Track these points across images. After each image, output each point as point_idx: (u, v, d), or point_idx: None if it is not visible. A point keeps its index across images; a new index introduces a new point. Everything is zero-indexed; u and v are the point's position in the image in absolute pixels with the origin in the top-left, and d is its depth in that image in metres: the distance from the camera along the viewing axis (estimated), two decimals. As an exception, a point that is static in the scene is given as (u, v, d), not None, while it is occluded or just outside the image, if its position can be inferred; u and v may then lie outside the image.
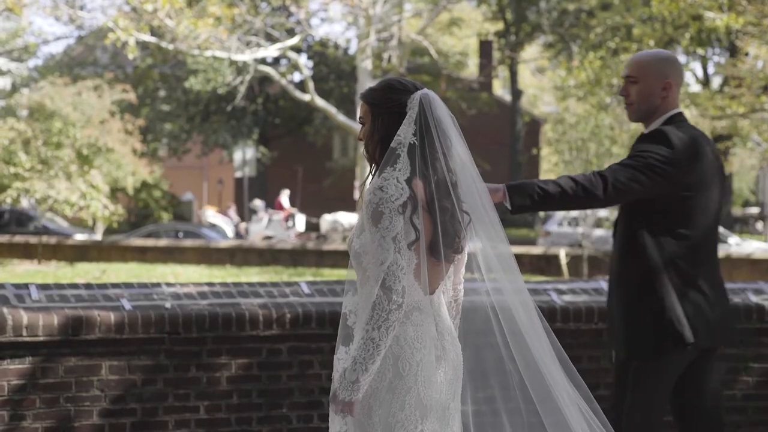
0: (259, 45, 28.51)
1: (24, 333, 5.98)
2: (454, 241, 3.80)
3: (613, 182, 4.61)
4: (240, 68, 39.86)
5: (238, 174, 41.36)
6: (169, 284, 6.99)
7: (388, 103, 3.89)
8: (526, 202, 4.51)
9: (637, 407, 4.85)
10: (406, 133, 3.80)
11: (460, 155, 3.83)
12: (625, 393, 4.91)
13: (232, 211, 38.14)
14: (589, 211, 24.15)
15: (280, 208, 39.19)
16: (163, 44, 26.67)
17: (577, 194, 4.57)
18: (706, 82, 44.13)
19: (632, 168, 4.66)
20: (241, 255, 27.88)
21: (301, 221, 38.54)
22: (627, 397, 4.87)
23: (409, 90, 3.90)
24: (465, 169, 3.83)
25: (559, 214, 32.76)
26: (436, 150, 3.79)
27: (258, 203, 39.59)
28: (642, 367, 4.84)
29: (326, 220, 35.94)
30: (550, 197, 4.54)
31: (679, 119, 4.87)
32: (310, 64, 48.16)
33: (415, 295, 3.74)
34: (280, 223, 37.07)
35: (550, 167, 39.66)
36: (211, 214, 39.86)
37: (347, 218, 35.10)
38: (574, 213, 26.56)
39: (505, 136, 53.14)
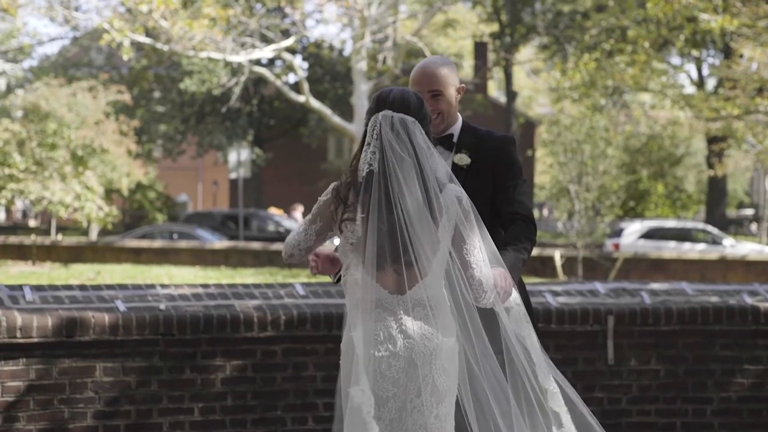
0: (254, 46, 28.49)
1: (18, 334, 5.96)
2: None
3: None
4: (235, 69, 39.84)
5: (233, 175, 41.22)
6: (163, 286, 6.98)
7: (366, 117, 4.04)
8: (517, 273, 4.45)
9: None
10: (365, 157, 3.92)
11: (412, 193, 3.87)
12: None
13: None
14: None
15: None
16: (158, 45, 26.65)
17: (534, 239, 4.61)
18: (700, 83, 44.15)
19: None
20: (235, 256, 27.86)
21: None
22: None
23: (371, 109, 3.99)
24: (415, 211, 3.88)
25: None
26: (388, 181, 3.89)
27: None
28: None
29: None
30: (523, 259, 4.51)
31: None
32: (305, 65, 48.14)
33: None
34: None
35: (545, 169, 39.66)
36: (278, 217, 39.51)
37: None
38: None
39: (500, 138, 53.07)
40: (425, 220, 3.88)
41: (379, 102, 4.03)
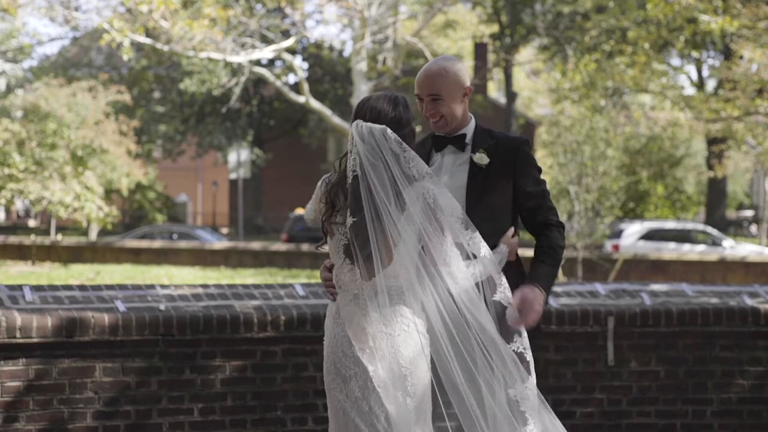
0: (254, 47, 28.49)
1: (17, 334, 5.96)
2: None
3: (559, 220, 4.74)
4: (235, 70, 39.85)
5: (233, 176, 41.35)
6: (163, 286, 6.97)
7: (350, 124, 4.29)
8: (550, 283, 4.57)
9: None
10: (349, 163, 4.19)
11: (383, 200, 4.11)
12: None
13: None
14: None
15: None
16: (158, 46, 26.64)
17: (563, 245, 4.67)
18: (700, 85, 44.16)
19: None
20: (235, 257, 27.86)
21: None
22: None
23: (352, 117, 4.25)
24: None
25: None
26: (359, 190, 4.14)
27: None
28: None
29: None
30: (556, 271, 4.61)
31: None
32: (305, 65, 48.17)
33: None
34: None
35: (545, 169, 39.64)
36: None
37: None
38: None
39: (499, 139, 53.12)
40: (398, 222, 4.10)
41: (356, 112, 4.28)
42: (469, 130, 4.66)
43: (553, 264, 4.56)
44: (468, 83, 4.62)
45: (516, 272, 4.55)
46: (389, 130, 4.16)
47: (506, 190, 4.59)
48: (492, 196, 4.53)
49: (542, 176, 4.69)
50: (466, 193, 4.51)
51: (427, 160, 4.60)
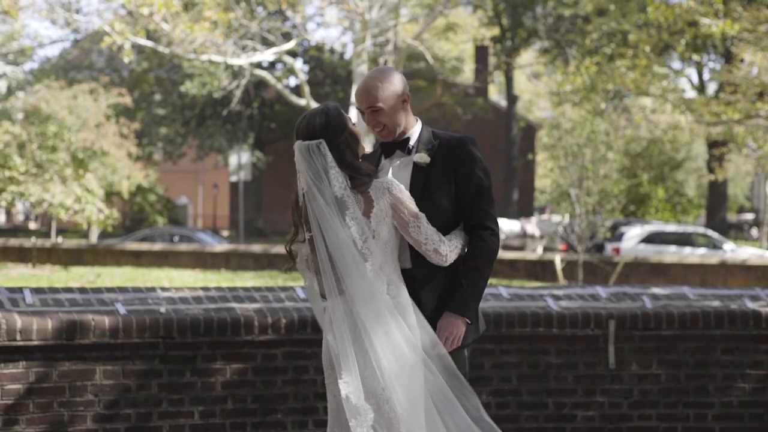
0: (254, 49, 28.48)
1: (18, 337, 5.95)
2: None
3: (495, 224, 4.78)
4: (236, 72, 39.85)
5: (234, 178, 41.34)
6: (163, 288, 6.96)
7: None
8: (474, 306, 4.67)
9: None
10: (299, 182, 4.56)
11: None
12: None
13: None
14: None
15: None
16: (159, 48, 26.63)
17: (492, 258, 4.71)
18: (701, 88, 44.17)
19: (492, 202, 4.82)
20: (236, 259, 27.85)
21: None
22: None
23: (296, 136, 4.58)
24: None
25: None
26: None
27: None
28: None
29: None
30: (481, 284, 4.68)
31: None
32: (306, 68, 48.18)
33: None
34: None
35: (546, 172, 39.64)
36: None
37: (507, 224, 34.08)
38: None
39: (500, 142, 53.18)
40: (340, 232, 4.35)
41: (295, 132, 4.52)
42: (414, 133, 4.77)
43: (472, 285, 4.63)
44: (405, 90, 4.72)
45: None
46: (323, 144, 4.40)
47: (448, 189, 4.66)
48: (434, 195, 4.63)
49: (486, 176, 4.71)
50: (409, 192, 4.57)
51: (377, 166, 4.75)
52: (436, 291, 4.62)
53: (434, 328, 4.57)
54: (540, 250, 28.86)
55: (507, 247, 31.21)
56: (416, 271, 4.59)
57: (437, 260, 4.52)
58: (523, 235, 29.64)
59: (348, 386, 4.30)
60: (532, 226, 34.61)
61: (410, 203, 4.46)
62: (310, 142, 4.40)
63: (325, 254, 4.36)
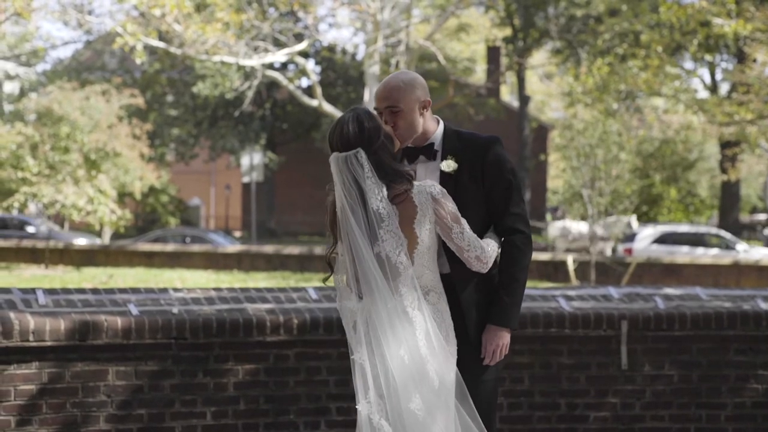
0: (266, 50, 28.51)
1: (31, 338, 5.96)
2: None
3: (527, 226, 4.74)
4: (248, 73, 39.90)
5: (246, 179, 41.31)
6: (176, 289, 6.97)
7: None
8: (515, 315, 4.67)
9: None
10: (337, 195, 4.45)
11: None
12: None
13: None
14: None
15: None
16: (171, 49, 26.68)
17: (526, 263, 4.71)
18: (714, 88, 44.07)
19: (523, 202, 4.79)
20: (248, 260, 27.88)
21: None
22: None
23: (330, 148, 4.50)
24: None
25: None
26: None
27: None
28: None
29: (555, 226, 35.02)
30: (520, 291, 4.68)
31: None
32: (318, 69, 48.20)
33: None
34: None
35: (558, 173, 39.57)
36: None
37: (577, 226, 33.94)
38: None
39: (512, 142, 53.14)
40: (366, 245, 4.28)
41: (329, 145, 4.41)
42: (437, 137, 4.71)
43: (511, 294, 4.63)
44: (426, 97, 4.67)
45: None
46: (361, 153, 4.28)
47: (478, 193, 4.63)
48: (465, 200, 4.57)
49: (515, 176, 4.67)
50: None
51: None
52: (475, 296, 4.61)
53: (477, 336, 4.59)
54: (609, 251, 28.73)
55: (572, 250, 30.89)
56: (455, 275, 4.56)
57: (478, 267, 4.47)
58: (592, 236, 29.48)
59: (368, 406, 4.27)
60: (599, 227, 34.43)
61: (453, 208, 4.38)
62: (348, 153, 4.29)
63: (352, 272, 4.33)
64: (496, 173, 4.62)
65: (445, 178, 4.61)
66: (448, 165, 4.61)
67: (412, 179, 4.35)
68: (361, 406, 4.27)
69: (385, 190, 4.28)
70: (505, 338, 4.60)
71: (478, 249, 4.41)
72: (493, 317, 4.60)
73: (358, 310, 4.36)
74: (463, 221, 4.40)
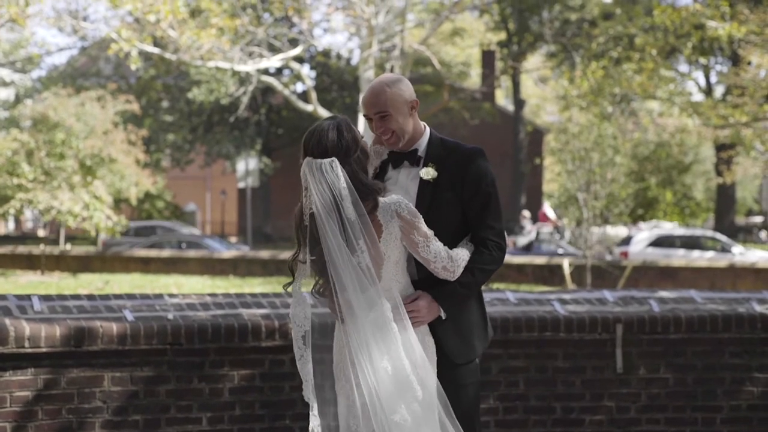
0: (261, 56, 28.51)
1: (26, 344, 5.96)
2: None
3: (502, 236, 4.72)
4: (243, 79, 39.91)
5: (241, 184, 41.33)
6: (171, 295, 6.98)
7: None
8: (454, 304, 4.59)
9: None
10: (306, 201, 4.43)
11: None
12: None
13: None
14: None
15: (545, 219, 38.20)
16: (166, 55, 26.67)
17: (491, 268, 4.65)
18: (708, 91, 44.13)
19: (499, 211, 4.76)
20: (244, 265, 27.87)
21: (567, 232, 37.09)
22: None
23: (301, 154, 4.48)
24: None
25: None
26: None
27: (526, 214, 38.51)
28: None
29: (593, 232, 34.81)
30: (472, 288, 4.61)
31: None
32: (313, 74, 48.21)
33: None
34: (549, 234, 35.84)
35: (553, 177, 39.59)
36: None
37: (614, 230, 33.73)
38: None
39: (507, 146, 53.17)
40: (344, 254, 4.21)
41: (303, 148, 4.37)
42: (422, 143, 4.70)
43: (464, 285, 4.55)
44: (413, 97, 4.66)
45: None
46: (336, 163, 4.24)
47: (455, 202, 4.60)
48: (441, 209, 4.56)
49: (494, 189, 4.64)
50: (416, 206, 4.49)
51: (385, 175, 4.68)
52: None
53: (449, 344, 4.57)
54: (606, 255, 28.73)
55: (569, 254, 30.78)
56: (424, 283, 4.53)
57: (445, 276, 4.43)
58: (628, 240, 29.42)
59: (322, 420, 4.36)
60: (636, 231, 34.33)
61: (420, 224, 4.33)
62: (323, 160, 4.26)
63: (331, 279, 4.27)
64: (476, 185, 4.60)
65: (424, 184, 4.60)
66: (427, 172, 4.60)
67: (379, 193, 4.31)
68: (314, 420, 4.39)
69: (358, 201, 4.24)
70: (430, 313, 4.50)
71: (444, 260, 4.37)
72: (435, 291, 4.52)
73: (341, 332, 4.45)
74: (430, 233, 4.36)
